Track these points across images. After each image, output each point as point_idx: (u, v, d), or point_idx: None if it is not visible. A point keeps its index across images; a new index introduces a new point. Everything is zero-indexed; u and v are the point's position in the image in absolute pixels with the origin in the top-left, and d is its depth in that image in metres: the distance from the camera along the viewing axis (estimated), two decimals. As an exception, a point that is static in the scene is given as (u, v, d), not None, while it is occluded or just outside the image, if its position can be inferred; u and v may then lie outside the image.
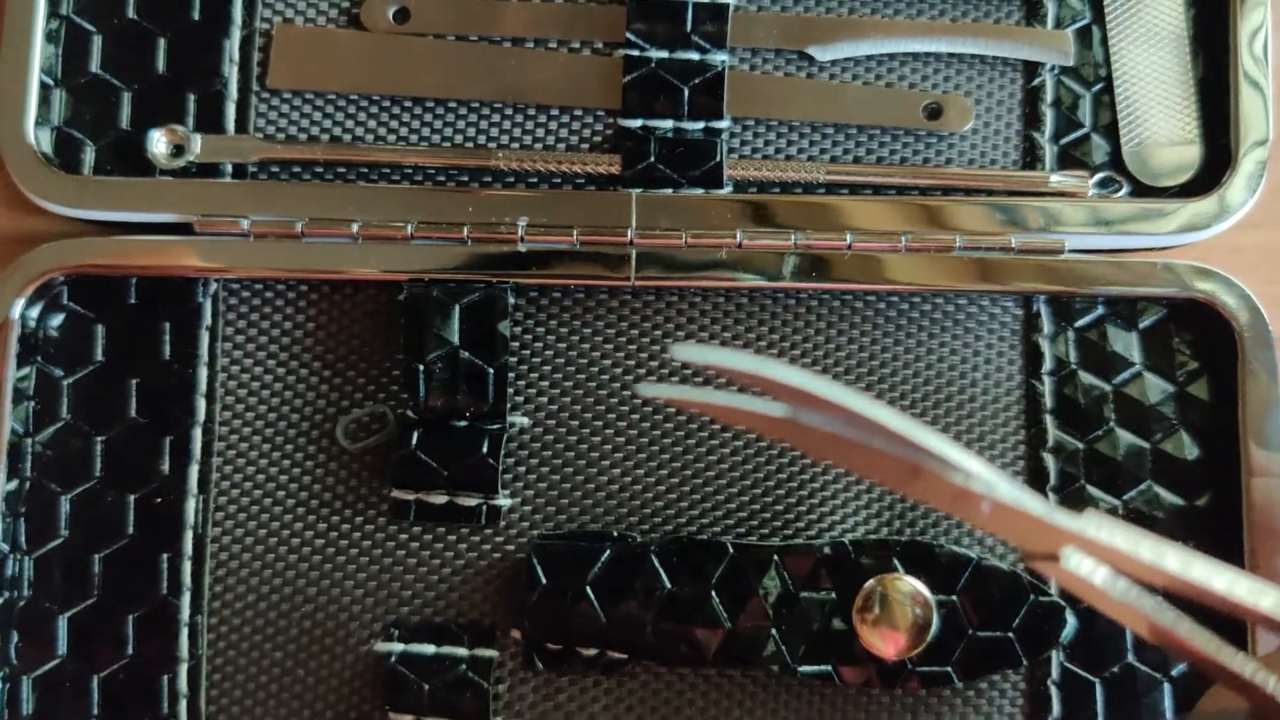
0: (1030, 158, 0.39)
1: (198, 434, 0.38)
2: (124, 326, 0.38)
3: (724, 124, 0.38)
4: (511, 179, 0.39)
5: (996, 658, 0.36)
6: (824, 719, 0.37)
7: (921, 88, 0.39)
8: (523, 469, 0.38)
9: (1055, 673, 0.37)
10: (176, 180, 0.38)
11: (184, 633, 0.37)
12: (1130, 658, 0.37)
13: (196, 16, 0.39)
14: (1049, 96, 0.39)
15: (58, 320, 0.38)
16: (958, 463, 0.27)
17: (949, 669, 0.36)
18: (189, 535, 0.37)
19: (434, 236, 0.37)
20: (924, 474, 0.27)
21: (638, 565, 0.36)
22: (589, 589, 0.36)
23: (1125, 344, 0.38)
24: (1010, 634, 0.36)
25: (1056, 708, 0.37)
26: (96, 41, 0.39)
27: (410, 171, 0.39)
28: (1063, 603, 0.36)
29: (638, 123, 0.38)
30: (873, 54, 0.39)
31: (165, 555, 0.37)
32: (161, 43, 0.39)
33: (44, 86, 0.38)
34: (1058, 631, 0.36)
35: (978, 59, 0.39)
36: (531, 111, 0.39)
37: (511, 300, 0.38)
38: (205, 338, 0.38)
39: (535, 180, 0.39)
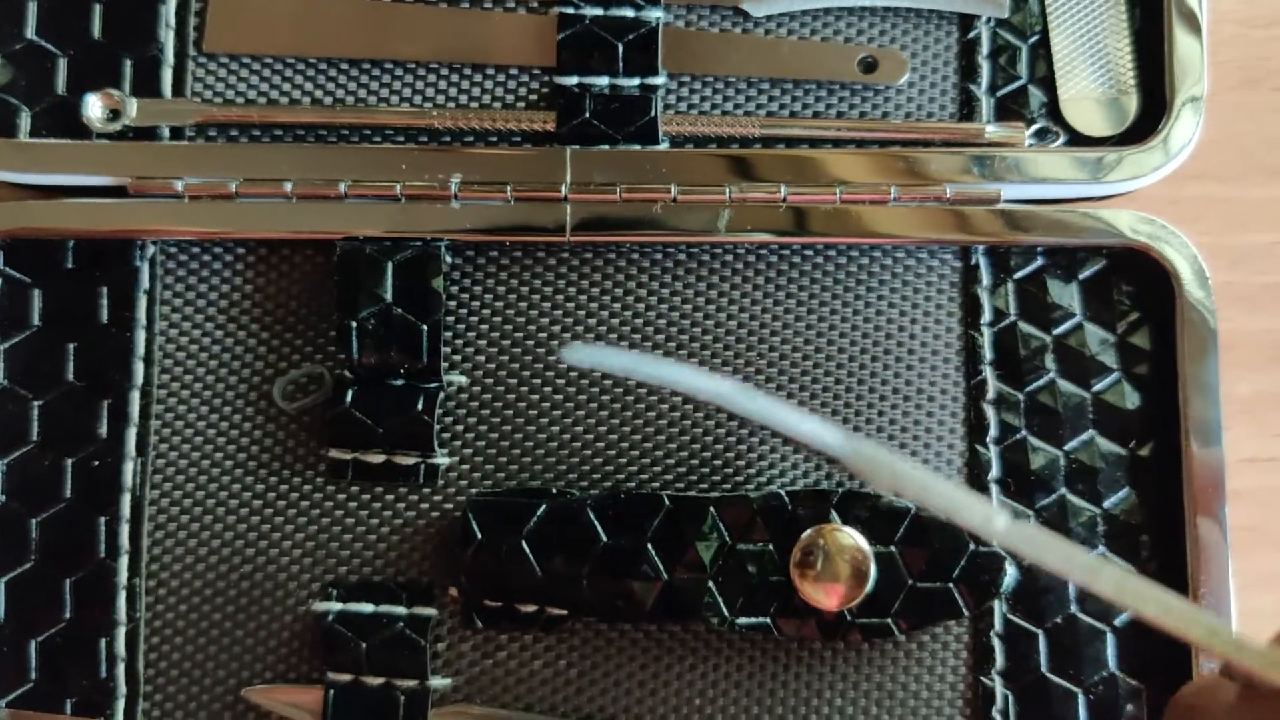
0: (967, 110, 0.39)
1: (135, 397, 0.38)
2: (61, 291, 0.38)
3: (659, 80, 0.38)
4: (448, 138, 0.39)
5: (937, 608, 0.36)
6: (765, 672, 0.37)
7: (856, 42, 0.39)
8: (461, 428, 0.38)
9: (998, 624, 0.37)
10: (112, 143, 0.38)
11: (122, 596, 0.37)
12: (1073, 608, 0.37)
13: (132, -18, 0.39)
14: (985, 49, 0.39)
15: (-6, 285, 0.38)
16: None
17: (889, 620, 0.35)
18: (127, 498, 0.37)
19: (368, 195, 0.37)
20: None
21: (573, 519, 0.36)
22: (524, 544, 0.35)
23: (1065, 294, 0.38)
24: (950, 584, 0.35)
25: (1000, 659, 0.37)
26: (31, 8, 0.39)
27: (347, 133, 0.39)
28: (1003, 553, 0.36)
29: (573, 80, 0.38)
30: (807, 9, 0.39)
31: (103, 518, 0.37)
32: (97, 8, 0.39)
33: (-21, 53, 0.38)
34: (999, 582, 0.36)
35: (913, 12, 0.39)
36: (468, 71, 0.39)
37: (448, 259, 0.38)
38: (143, 301, 0.38)
39: (471, 139, 0.39)
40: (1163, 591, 0.25)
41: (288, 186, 0.37)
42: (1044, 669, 0.37)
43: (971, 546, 0.35)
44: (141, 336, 0.38)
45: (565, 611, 0.36)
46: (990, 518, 0.26)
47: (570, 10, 0.38)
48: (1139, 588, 0.25)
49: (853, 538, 0.35)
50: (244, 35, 0.39)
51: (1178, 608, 0.25)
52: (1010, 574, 0.36)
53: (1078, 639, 0.37)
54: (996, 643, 0.37)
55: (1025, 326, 0.38)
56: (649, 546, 0.35)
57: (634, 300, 0.38)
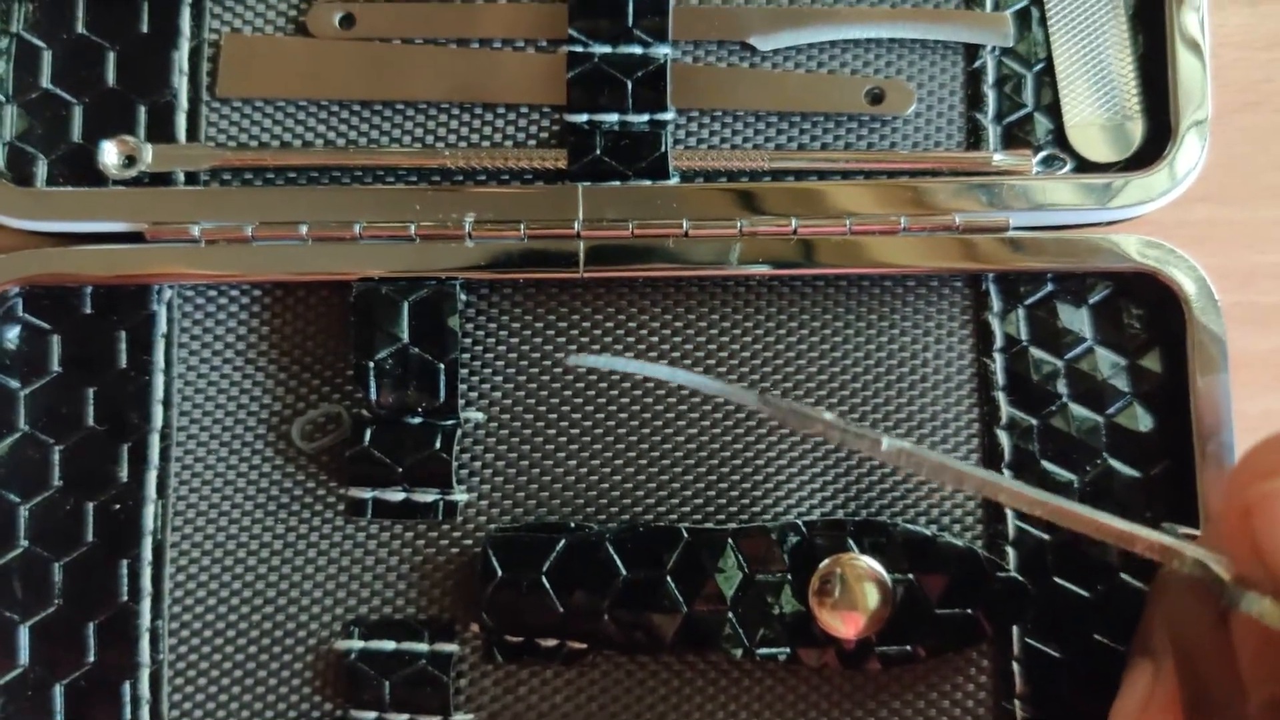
0: (974, 138, 0.39)
1: (155, 440, 0.38)
2: (80, 336, 0.38)
3: (669, 116, 0.39)
4: (460, 178, 0.39)
5: (957, 635, 0.36)
6: (785, 702, 0.37)
7: (863, 73, 0.40)
8: (478, 464, 0.38)
9: (1018, 649, 0.37)
10: (128, 190, 0.38)
11: (145, 638, 0.37)
12: (1094, 632, 0.37)
13: (145, 29, 0.40)
14: (990, 77, 0.40)
15: (13, 332, 0.38)
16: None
17: (909, 648, 0.35)
18: (148, 541, 0.38)
19: (382, 236, 0.38)
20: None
21: (593, 554, 0.36)
22: (544, 579, 0.36)
23: (1075, 319, 0.39)
24: (969, 611, 0.36)
25: (1020, 684, 0.37)
26: (46, 56, 0.39)
27: (360, 174, 0.39)
28: (1021, 579, 0.36)
29: (583, 117, 0.39)
30: (813, 42, 0.39)
31: (125, 561, 0.37)
32: (111, 55, 0.39)
33: (-4, 102, 0.39)
34: (1018, 607, 0.36)
35: (918, 43, 0.40)
36: (479, 110, 0.39)
37: (462, 297, 0.38)
38: (161, 344, 0.38)
39: (484, 178, 0.39)
40: (1019, 487, 0.31)
41: (303, 229, 0.37)
42: (1064, 692, 0.37)
43: (989, 573, 0.36)
44: (160, 380, 0.38)
45: (586, 645, 0.37)
46: (877, 440, 0.31)
47: (579, 49, 0.39)
48: (1009, 486, 0.31)
49: (871, 566, 0.36)
50: (256, 80, 0.40)
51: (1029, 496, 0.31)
52: (1031, 599, 0.36)
53: (1098, 663, 0.37)
54: (1016, 668, 0.37)
55: (1037, 352, 0.38)
56: (668, 579, 0.36)
57: (647, 334, 0.39)
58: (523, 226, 0.37)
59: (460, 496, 0.38)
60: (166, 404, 0.38)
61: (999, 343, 0.38)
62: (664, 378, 0.34)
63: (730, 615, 0.35)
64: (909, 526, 0.36)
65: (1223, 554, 0.29)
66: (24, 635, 0.37)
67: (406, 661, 0.37)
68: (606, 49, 0.39)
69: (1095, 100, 0.39)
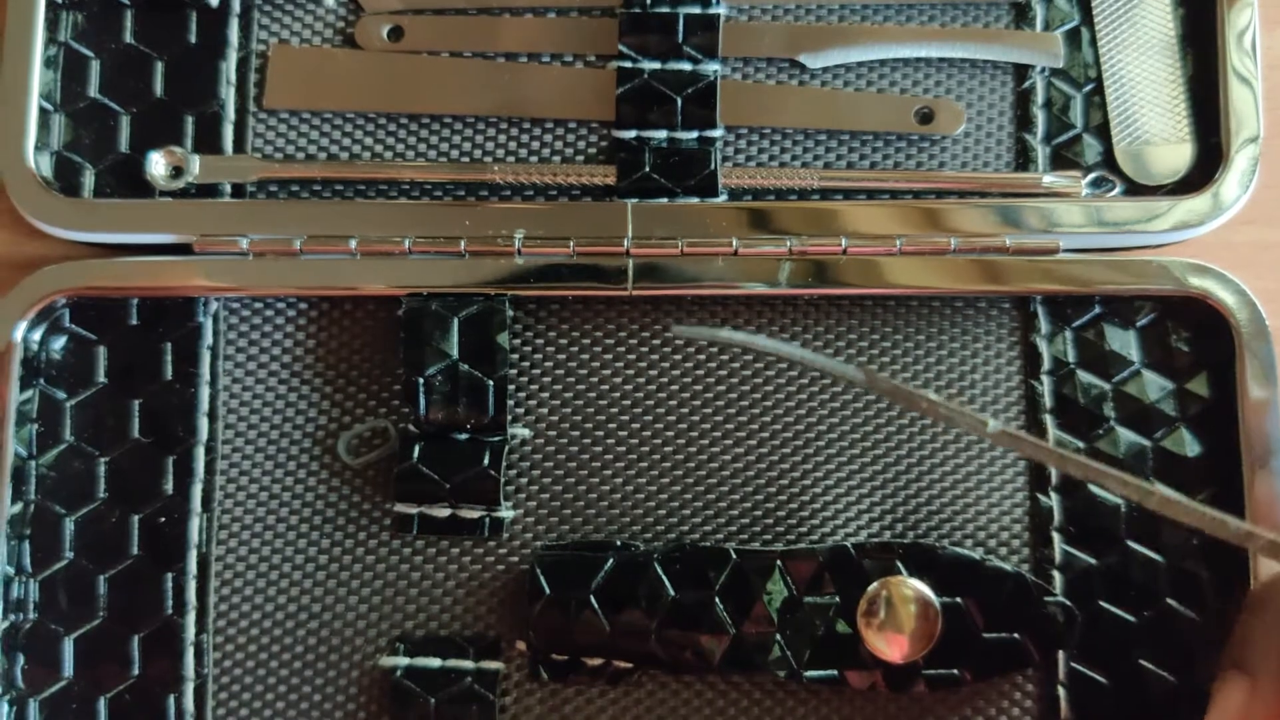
0: (1023, 159, 0.39)
1: (200, 453, 0.38)
2: (126, 347, 0.38)
3: (717, 133, 0.39)
4: (508, 192, 0.39)
5: (1004, 659, 0.36)
6: (831, 724, 0.37)
7: (913, 93, 0.39)
8: (525, 480, 0.38)
9: (1063, 674, 0.37)
10: (176, 201, 0.38)
11: (189, 652, 0.37)
12: (1140, 658, 0.37)
13: (193, 40, 0.39)
14: (1040, 98, 0.39)
15: (60, 343, 0.38)
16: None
17: (955, 671, 0.35)
18: (193, 554, 0.37)
19: (432, 251, 0.37)
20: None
21: (641, 573, 0.36)
22: (593, 598, 0.36)
23: (1123, 342, 0.39)
24: (1017, 635, 0.35)
25: (1065, 709, 0.37)
26: (95, 66, 0.39)
27: (407, 187, 0.39)
28: (1068, 602, 0.36)
29: (632, 134, 0.39)
30: (863, 60, 0.39)
31: (170, 574, 0.37)
32: (159, 66, 0.39)
33: (43, 112, 0.39)
34: (1065, 632, 0.36)
35: (968, 63, 0.40)
36: (527, 125, 0.39)
37: (510, 312, 0.38)
38: (206, 357, 0.38)
39: (531, 193, 0.39)
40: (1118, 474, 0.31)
41: (352, 243, 0.37)
42: (1109, 718, 0.37)
43: (1037, 596, 0.36)
44: (206, 393, 0.38)
45: (632, 665, 0.37)
46: (982, 421, 0.32)
47: (629, 65, 0.39)
48: (1110, 472, 0.31)
49: (919, 589, 0.35)
50: (304, 91, 0.39)
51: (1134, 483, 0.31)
52: (1078, 623, 0.36)
53: (1142, 688, 0.37)
54: (1062, 693, 0.37)
55: (1084, 375, 0.38)
56: (716, 600, 0.35)
57: (695, 351, 0.39)
58: (572, 243, 0.37)
59: (507, 514, 0.38)
60: (212, 416, 0.38)
61: (1047, 365, 0.38)
62: (767, 349, 0.34)
63: (778, 637, 0.35)
64: (956, 550, 0.36)
65: None
66: (68, 647, 0.37)
67: (452, 679, 0.37)
68: (656, 65, 0.39)
69: (1144, 122, 0.39)
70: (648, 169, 0.38)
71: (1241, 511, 0.37)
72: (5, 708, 0.36)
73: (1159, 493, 0.31)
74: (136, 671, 0.37)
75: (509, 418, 0.38)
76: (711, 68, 0.39)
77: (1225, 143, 0.38)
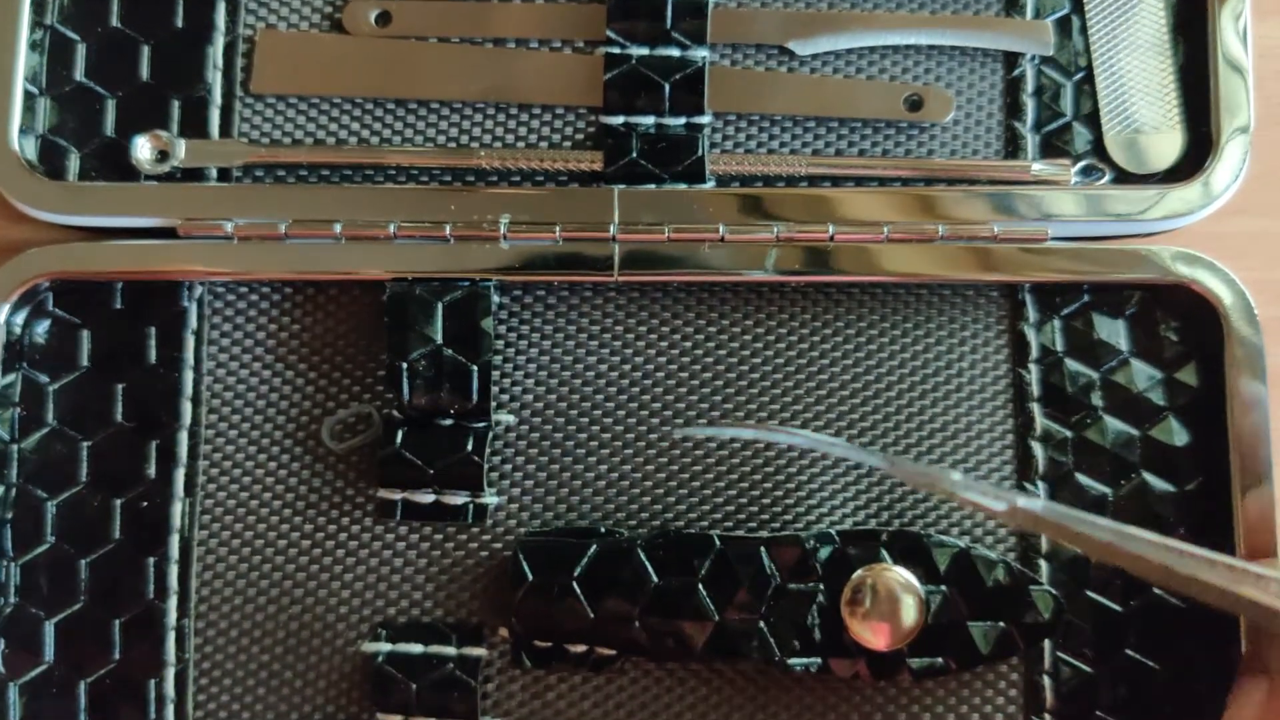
0: (1012, 147, 0.39)
1: (183, 438, 0.38)
2: (109, 331, 0.38)
3: (705, 119, 0.39)
4: (494, 178, 0.39)
5: (989, 648, 0.35)
6: (814, 712, 0.37)
7: (902, 80, 0.39)
8: (509, 467, 0.38)
9: (1048, 663, 0.37)
10: (160, 185, 0.38)
11: (171, 637, 0.37)
12: (1125, 647, 0.37)
13: (180, 24, 0.39)
14: (1030, 86, 0.39)
15: (43, 326, 0.38)
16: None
17: (940, 660, 0.35)
18: (175, 539, 0.37)
19: (417, 236, 0.37)
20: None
21: (624, 560, 0.36)
22: (576, 584, 0.35)
23: (1111, 331, 0.38)
24: (1002, 623, 0.35)
25: (1050, 698, 0.37)
26: (80, 50, 0.39)
27: (394, 173, 0.39)
28: (1054, 591, 0.36)
29: (619, 119, 0.38)
30: (852, 47, 0.39)
31: (151, 559, 0.37)
32: (145, 50, 0.39)
33: (28, 95, 0.38)
34: (1051, 621, 0.35)
35: (958, 50, 0.39)
36: (514, 110, 0.39)
37: (496, 298, 0.38)
38: (191, 341, 0.38)
39: (518, 178, 0.39)
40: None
41: (337, 228, 0.37)
42: (1094, 708, 0.36)
43: (1022, 585, 0.35)
44: (189, 377, 0.38)
45: (615, 651, 0.36)
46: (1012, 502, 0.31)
47: (617, 50, 0.39)
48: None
49: (903, 577, 0.35)
50: (291, 76, 0.39)
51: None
52: (1062, 611, 0.36)
53: (1128, 677, 0.37)
54: (1047, 681, 0.37)
55: (1072, 363, 0.38)
56: (700, 587, 0.35)
57: (681, 339, 0.38)
58: (558, 228, 0.37)
59: (491, 500, 0.37)
60: (196, 401, 0.38)
61: (1034, 353, 0.38)
62: (783, 441, 0.35)
63: (761, 624, 0.35)
64: (942, 538, 0.36)
65: None
66: (49, 632, 0.37)
67: (434, 665, 0.36)
68: (644, 51, 0.39)
69: (1135, 110, 0.39)
70: (635, 155, 0.38)
71: (1230, 501, 0.36)
72: (-14, 691, 0.36)
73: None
74: (117, 656, 0.37)
75: (493, 404, 0.38)
76: (700, 54, 0.39)
77: (1216, 132, 0.38)
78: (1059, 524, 0.31)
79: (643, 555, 0.36)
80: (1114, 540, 0.30)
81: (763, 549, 0.35)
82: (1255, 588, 0.29)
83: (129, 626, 0.37)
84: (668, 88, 0.38)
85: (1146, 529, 0.32)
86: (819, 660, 0.35)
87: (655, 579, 0.35)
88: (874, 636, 0.35)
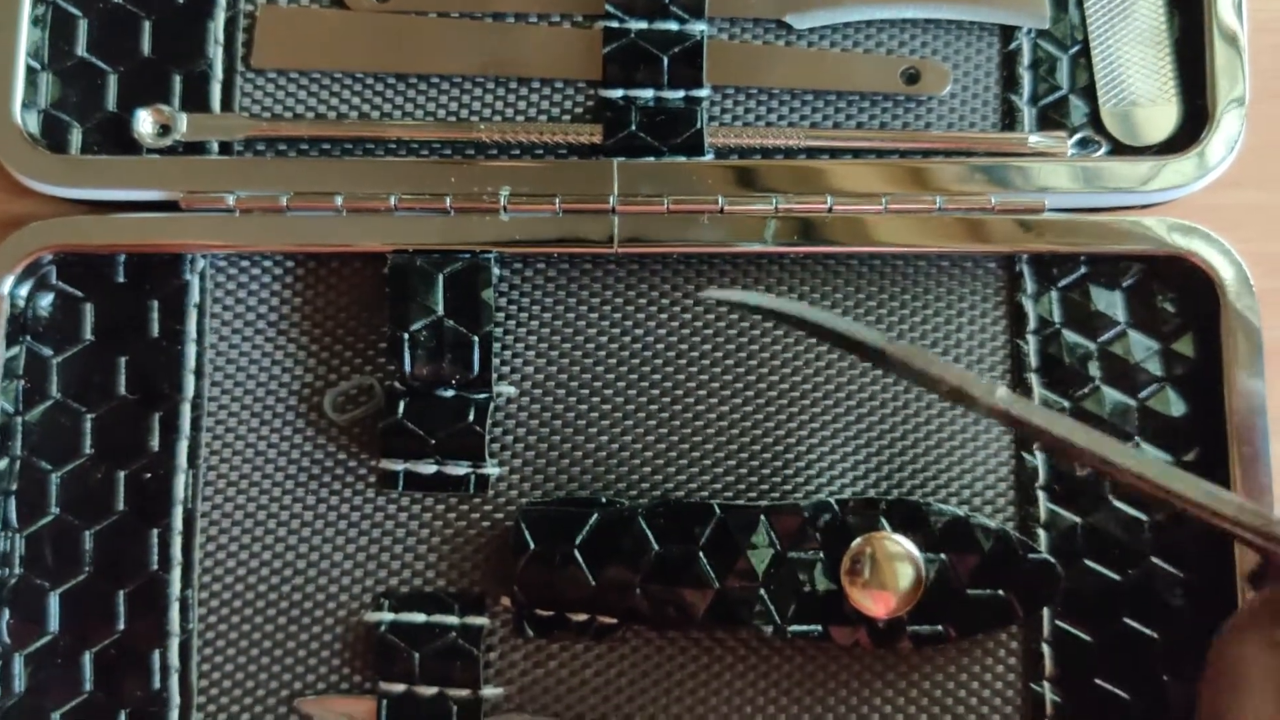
0: (1009, 120, 0.39)
1: (186, 410, 0.38)
2: (112, 305, 0.38)
3: (704, 92, 0.39)
4: (494, 151, 0.39)
5: (987, 616, 0.36)
6: (815, 680, 0.37)
7: (899, 53, 0.40)
8: (510, 437, 0.38)
9: (1048, 631, 0.37)
10: (162, 158, 0.38)
11: (174, 607, 0.37)
12: (1124, 615, 0.37)
13: (181, -1, 0.40)
14: (1026, 59, 0.40)
15: (47, 299, 0.38)
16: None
17: (940, 628, 0.35)
18: (179, 510, 0.38)
19: (417, 208, 0.38)
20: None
21: (625, 528, 0.36)
22: (577, 553, 0.36)
23: (1108, 302, 0.39)
24: (1000, 591, 0.35)
25: (1050, 666, 0.37)
26: (82, 25, 0.39)
27: (394, 146, 0.39)
28: (1053, 561, 0.36)
29: (618, 93, 0.39)
30: (850, 21, 0.39)
31: (155, 530, 0.37)
32: (147, 25, 0.39)
33: (30, 70, 0.39)
34: (1049, 589, 0.36)
35: (954, 24, 0.40)
36: (513, 84, 0.39)
37: (496, 270, 0.38)
38: (193, 314, 0.38)
39: (518, 151, 0.39)
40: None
41: (338, 200, 0.37)
42: (1094, 676, 0.37)
43: (1021, 553, 0.36)
44: (192, 349, 0.38)
45: (616, 620, 0.37)
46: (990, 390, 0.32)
47: (615, 24, 0.39)
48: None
49: (903, 545, 0.36)
50: (291, 51, 0.39)
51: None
52: (1061, 580, 0.36)
53: (1126, 645, 0.37)
54: (1046, 649, 0.37)
55: (1070, 334, 0.38)
56: (700, 555, 0.36)
57: (680, 310, 0.39)
58: (558, 201, 0.37)
59: (492, 470, 0.38)
60: (198, 373, 0.38)
61: (1032, 324, 0.38)
62: (797, 314, 0.34)
63: (762, 592, 0.35)
64: (941, 506, 0.36)
65: None
66: (54, 603, 0.37)
67: (437, 634, 0.37)
68: (643, 24, 0.39)
69: (1131, 83, 0.39)
70: (634, 128, 0.38)
71: (1227, 471, 0.37)
72: (-10, 662, 0.37)
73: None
74: (122, 626, 0.37)
75: (494, 374, 0.38)
76: (698, 27, 0.39)
77: (1211, 104, 0.38)
78: (1030, 419, 0.32)
79: (644, 524, 0.36)
80: (1089, 445, 0.31)
81: (763, 517, 0.36)
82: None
83: (133, 597, 0.37)
84: (666, 61, 0.38)
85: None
86: (819, 628, 0.35)
87: (656, 547, 0.36)
88: (873, 604, 0.35)
